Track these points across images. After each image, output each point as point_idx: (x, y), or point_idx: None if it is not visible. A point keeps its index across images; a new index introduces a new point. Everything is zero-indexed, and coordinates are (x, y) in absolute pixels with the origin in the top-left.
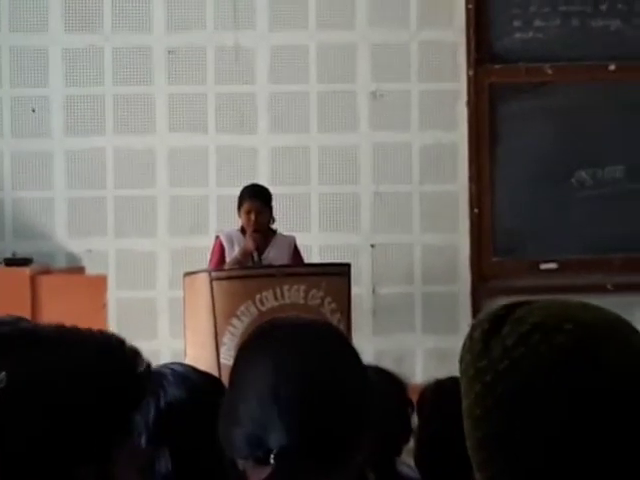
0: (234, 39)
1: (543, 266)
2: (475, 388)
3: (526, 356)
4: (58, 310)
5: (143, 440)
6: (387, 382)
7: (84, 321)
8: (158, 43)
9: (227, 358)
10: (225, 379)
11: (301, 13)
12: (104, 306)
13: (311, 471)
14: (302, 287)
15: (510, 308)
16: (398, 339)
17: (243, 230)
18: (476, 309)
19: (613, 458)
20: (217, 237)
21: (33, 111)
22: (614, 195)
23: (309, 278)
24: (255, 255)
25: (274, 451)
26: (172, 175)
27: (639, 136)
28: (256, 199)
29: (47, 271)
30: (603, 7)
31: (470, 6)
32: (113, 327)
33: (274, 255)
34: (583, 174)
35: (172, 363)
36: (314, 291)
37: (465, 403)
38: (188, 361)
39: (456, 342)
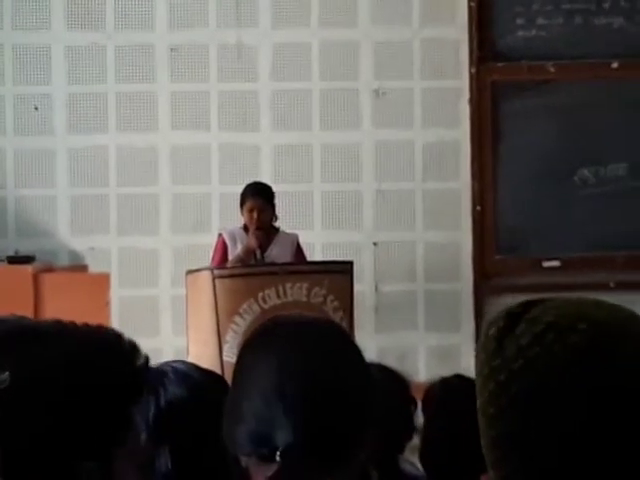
0: (237, 37)
1: (546, 264)
2: (489, 387)
3: (540, 356)
4: (61, 308)
5: (143, 438)
6: (390, 380)
7: (87, 319)
8: (160, 41)
9: (230, 356)
10: (228, 377)
11: (304, 11)
12: (107, 304)
13: (315, 469)
14: (305, 285)
15: (526, 306)
16: (401, 337)
17: (246, 228)
18: (479, 307)
19: (628, 457)
20: (220, 235)
21: (36, 109)
22: (617, 193)
23: (312, 276)
24: (258, 253)
25: (280, 448)
26: (175, 173)
27: None
28: (259, 197)
29: (50, 269)
30: (606, 5)
31: (473, 4)
32: (116, 325)
33: (277, 253)
34: (586, 172)
35: (174, 361)
36: (317, 289)
37: (479, 401)
38: (190, 359)
39: (459, 340)
